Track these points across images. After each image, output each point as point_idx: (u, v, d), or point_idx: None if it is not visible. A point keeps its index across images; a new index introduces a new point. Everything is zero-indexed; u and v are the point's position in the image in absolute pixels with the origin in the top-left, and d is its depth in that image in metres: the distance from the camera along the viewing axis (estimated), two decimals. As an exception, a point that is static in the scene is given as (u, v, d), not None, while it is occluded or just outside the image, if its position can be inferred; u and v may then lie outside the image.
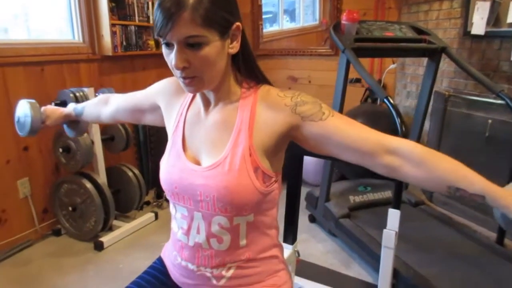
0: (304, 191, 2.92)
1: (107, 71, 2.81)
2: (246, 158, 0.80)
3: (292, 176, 1.35)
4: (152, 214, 2.65)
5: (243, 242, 0.87)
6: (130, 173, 2.55)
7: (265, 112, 0.82)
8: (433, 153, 0.76)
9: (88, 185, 2.28)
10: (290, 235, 1.40)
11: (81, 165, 2.30)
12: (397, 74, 3.20)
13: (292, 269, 1.44)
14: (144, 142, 3.07)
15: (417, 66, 2.95)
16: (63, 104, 2.20)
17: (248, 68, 0.85)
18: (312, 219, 2.58)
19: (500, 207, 0.71)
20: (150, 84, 1.01)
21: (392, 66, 3.17)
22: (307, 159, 1.40)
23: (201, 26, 0.72)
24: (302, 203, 2.74)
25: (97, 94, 2.40)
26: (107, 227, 2.41)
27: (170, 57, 0.75)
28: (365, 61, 3.12)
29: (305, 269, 2.04)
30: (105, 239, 2.30)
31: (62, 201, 2.38)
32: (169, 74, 0.83)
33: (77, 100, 2.23)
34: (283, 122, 0.80)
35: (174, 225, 0.93)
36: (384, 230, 1.52)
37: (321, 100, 0.82)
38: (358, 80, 3.15)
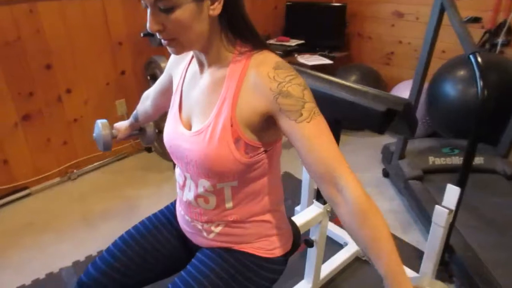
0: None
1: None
2: (227, 128, 0.78)
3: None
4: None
5: (229, 205, 0.89)
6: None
7: (250, 88, 0.77)
8: (368, 212, 0.71)
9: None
10: (322, 196, 1.36)
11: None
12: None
13: (323, 229, 1.42)
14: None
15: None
16: (151, 35, 2.34)
17: (237, 31, 0.80)
18: (385, 173, 2.44)
19: None
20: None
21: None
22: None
23: None
24: (378, 156, 2.59)
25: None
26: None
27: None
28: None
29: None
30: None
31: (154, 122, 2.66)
32: None
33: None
34: (264, 105, 0.76)
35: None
36: (437, 206, 1.38)
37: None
38: (476, 19, 2.62)
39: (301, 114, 0.74)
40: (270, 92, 0.75)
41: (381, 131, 1.06)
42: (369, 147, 2.83)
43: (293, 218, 1.30)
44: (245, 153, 0.81)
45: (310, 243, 1.43)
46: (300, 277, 1.58)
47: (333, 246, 1.84)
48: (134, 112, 1.25)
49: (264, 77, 0.76)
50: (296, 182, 2.33)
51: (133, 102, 2.67)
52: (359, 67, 3.14)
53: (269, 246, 0.95)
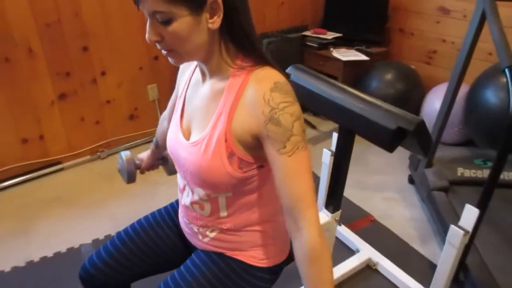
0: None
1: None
2: (221, 142, 0.79)
3: (339, 149, 1.24)
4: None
5: (223, 213, 0.90)
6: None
7: (246, 106, 0.77)
8: (316, 258, 0.76)
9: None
10: (331, 204, 1.34)
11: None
12: None
13: (331, 236, 1.41)
14: (265, 63, 3.13)
15: None
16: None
17: (238, 45, 0.79)
18: (411, 180, 2.35)
19: None
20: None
21: None
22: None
23: (166, 2, 0.68)
24: (407, 160, 2.50)
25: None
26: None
27: None
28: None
29: (373, 231, 1.96)
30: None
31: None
32: None
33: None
34: (255, 127, 0.76)
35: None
36: (452, 226, 1.33)
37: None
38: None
39: (285, 146, 0.74)
40: (262, 116, 0.75)
41: (390, 150, 1.02)
42: (399, 149, 2.73)
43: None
44: (238, 168, 0.81)
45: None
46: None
47: (344, 251, 1.82)
48: (154, 138, 1.23)
49: (260, 98, 0.75)
50: (316, 181, 2.31)
51: (164, 88, 2.73)
52: (397, 65, 3.01)
53: (262, 256, 0.96)
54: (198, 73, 0.89)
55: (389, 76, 2.88)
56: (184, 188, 0.94)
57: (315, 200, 0.78)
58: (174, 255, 1.07)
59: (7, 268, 1.75)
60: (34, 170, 2.40)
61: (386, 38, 3.27)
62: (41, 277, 1.69)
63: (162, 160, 1.26)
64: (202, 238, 0.96)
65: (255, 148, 0.80)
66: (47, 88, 2.30)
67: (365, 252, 1.76)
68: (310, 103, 1.23)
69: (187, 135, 0.88)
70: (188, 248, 1.07)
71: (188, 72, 0.94)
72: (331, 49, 3.07)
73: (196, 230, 0.96)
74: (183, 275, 0.93)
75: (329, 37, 3.13)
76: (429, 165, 2.12)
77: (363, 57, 2.94)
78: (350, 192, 2.28)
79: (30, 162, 2.38)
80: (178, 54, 0.77)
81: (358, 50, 3.07)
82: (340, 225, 1.43)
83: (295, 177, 0.76)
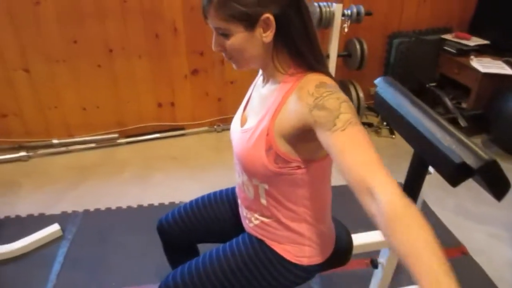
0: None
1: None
2: (262, 136, 0.88)
3: (409, 176, 1.19)
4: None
5: (263, 201, 1.00)
6: (353, 92, 2.66)
7: (293, 103, 0.84)
8: (406, 216, 0.62)
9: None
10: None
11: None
12: None
13: (393, 255, 1.36)
14: (392, 65, 2.99)
15: None
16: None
17: (290, 56, 0.87)
18: (529, 220, 2.03)
19: None
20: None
21: None
22: None
23: (224, 20, 0.80)
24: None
25: (345, 11, 2.47)
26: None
27: None
28: None
29: (460, 264, 1.80)
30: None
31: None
32: None
33: (321, 15, 2.39)
34: (300, 118, 0.82)
35: None
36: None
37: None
38: None
39: (335, 124, 0.74)
40: (306, 106, 0.80)
41: (453, 184, 0.95)
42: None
43: (356, 235, 1.30)
44: (274, 162, 0.89)
45: (375, 264, 1.41)
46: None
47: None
48: None
49: (305, 93, 0.81)
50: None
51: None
52: (553, 85, 2.55)
53: (298, 253, 1.03)
54: (262, 77, 1.00)
55: (537, 98, 2.47)
56: (236, 168, 1.07)
57: (384, 167, 0.69)
58: (231, 231, 1.22)
59: (124, 206, 2.18)
60: (163, 131, 2.84)
61: (547, 51, 2.77)
62: (145, 219, 2.05)
63: None
64: (249, 223, 1.08)
65: (299, 141, 0.86)
66: (183, 63, 2.67)
67: None
68: (389, 119, 1.20)
69: (243, 123, 1.00)
70: (242, 229, 1.20)
71: (260, 73, 1.05)
72: (472, 57, 2.76)
73: (245, 214, 1.08)
74: (225, 250, 1.07)
75: (472, 44, 2.81)
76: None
77: (508, 71, 2.57)
78: (448, 216, 2.10)
79: (161, 123, 2.83)
80: (237, 62, 0.89)
81: (506, 62, 2.69)
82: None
83: (355, 148, 0.72)
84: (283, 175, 0.91)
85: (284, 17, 0.81)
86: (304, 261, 1.03)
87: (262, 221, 1.04)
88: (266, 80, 0.95)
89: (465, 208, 2.18)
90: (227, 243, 1.10)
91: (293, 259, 1.03)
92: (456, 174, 0.93)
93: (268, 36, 0.83)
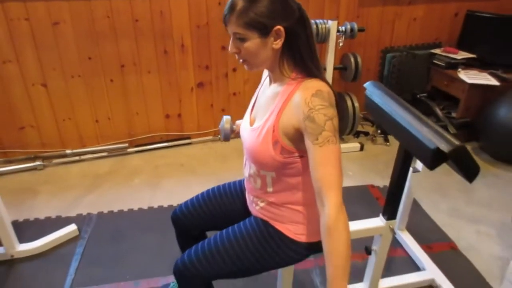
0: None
1: (368, 2, 2.95)
2: (269, 132, 1.04)
3: (397, 164, 1.35)
4: (359, 145, 2.92)
5: (270, 189, 1.15)
6: (349, 102, 2.84)
7: (292, 106, 1.01)
8: (332, 229, 0.93)
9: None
10: (386, 213, 1.45)
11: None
12: None
13: (384, 242, 1.51)
14: (386, 77, 3.18)
15: None
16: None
17: (294, 62, 1.03)
18: (516, 219, 2.17)
19: None
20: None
21: None
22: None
23: (242, 27, 0.97)
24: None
25: (340, 28, 2.67)
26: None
27: None
28: None
29: (450, 258, 1.93)
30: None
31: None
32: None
33: (317, 31, 2.59)
34: (297, 122, 0.99)
35: None
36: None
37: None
38: None
39: (317, 139, 0.94)
40: (302, 114, 0.97)
41: (430, 168, 1.11)
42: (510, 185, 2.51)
43: (353, 222, 1.44)
44: (280, 154, 1.05)
45: (368, 251, 1.55)
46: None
47: (409, 265, 1.86)
48: None
49: (302, 101, 0.98)
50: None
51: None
52: (535, 94, 2.72)
53: (297, 231, 1.18)
54: (268, 79, 1.16)
55: (520, 106, 2.64)
56: (246, 163, 1.23)
57: (340, 186, 0.95)
58: (238, 218, 1.36)
59: (135, 208, 2.33)
60: (170, 140, 3.01)
61: (529, 64, 2.96)
62: (155, 219, 2.20)
63: None
64: (255, 206, 1.23)
65: (297, 139, 1.03)
66: (190, 77, 2.86)
67: (431, 272, 1.77)
68: (377, 118, 1.37)
69: (252, 123, 1.16)
70: (248, 215, 1.35)
71: (264, 77, 1.22)
72: (460, 69, 2.95)
73: (251, 199, 1.24)
74: (234, 230, 1.22)
75: (459, 57, 3.01)
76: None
77: (493, 82, 2.76)
78: (440, 217, 2.24)
79: (169, 133, 3.00)
80: (249, 64, 1.06)
81: (492, 74, 2.88)
82: (395, 234, 1.51)
83: (323, 164, 0.94)
84: (288, 164, 1.07)
85: (293, 30, 0.99)
86: (303, 238, 1.18)
87: (266, 204, 1.19)
88: (272, 81, 1.12)
89: (458, 209, 2.32)
90: (235, 225, 1.25)
91: (293, 236, 1.17)
92: (432, 158, 1.10)
93: (278, 44, 1.00)
